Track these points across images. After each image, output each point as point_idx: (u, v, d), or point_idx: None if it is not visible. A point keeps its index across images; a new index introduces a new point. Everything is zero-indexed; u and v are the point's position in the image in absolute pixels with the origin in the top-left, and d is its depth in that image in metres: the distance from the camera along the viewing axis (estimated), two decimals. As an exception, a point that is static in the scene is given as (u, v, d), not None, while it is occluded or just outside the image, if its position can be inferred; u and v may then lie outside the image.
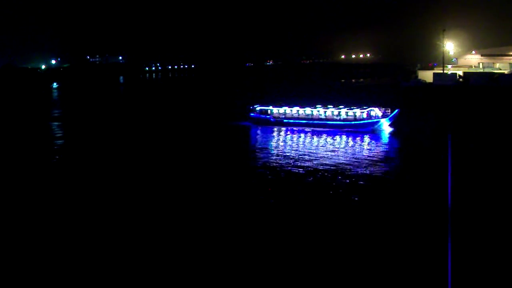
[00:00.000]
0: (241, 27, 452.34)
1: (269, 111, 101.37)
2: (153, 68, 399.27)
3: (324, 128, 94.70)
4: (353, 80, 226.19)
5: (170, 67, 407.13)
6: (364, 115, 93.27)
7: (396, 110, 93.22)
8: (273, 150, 79.67)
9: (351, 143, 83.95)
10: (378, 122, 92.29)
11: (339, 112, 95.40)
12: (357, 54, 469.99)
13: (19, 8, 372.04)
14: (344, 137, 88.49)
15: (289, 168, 65.22)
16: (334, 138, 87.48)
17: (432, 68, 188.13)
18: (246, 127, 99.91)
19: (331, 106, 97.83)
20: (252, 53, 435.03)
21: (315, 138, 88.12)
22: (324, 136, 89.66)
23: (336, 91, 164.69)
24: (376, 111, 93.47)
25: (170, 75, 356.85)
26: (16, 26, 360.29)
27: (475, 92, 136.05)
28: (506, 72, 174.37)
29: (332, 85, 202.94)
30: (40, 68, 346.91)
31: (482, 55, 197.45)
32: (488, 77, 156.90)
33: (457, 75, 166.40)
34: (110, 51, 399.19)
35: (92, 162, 74.22)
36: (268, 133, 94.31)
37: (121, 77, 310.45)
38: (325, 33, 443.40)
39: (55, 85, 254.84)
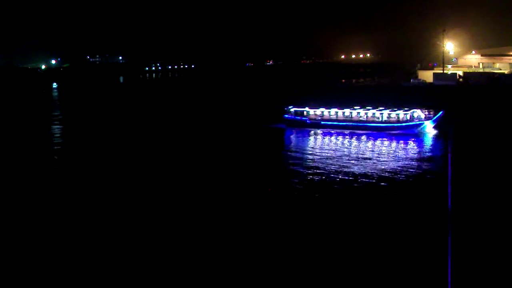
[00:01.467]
0: (241, 27, 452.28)
1: (305, 113, 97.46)
2: (153, 68, 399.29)
3: (364, 130, 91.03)
4: (354, 80, 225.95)
5: (170, 67, 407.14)
6: (408, 117, 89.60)
7: (441, 112, 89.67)
8: (312, 153, 76.50)
9: (394, 146, 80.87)
10: (422, 124, 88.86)
11: (382, 113, 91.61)
12: (357, 54, 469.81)
13: (19, 8, 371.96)
14: (386, 140, 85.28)
15: (331, 173, 62.64)
16: (376, 141, 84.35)
17: (432, 68, 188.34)
18: (280, 130, 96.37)
19: (371, 108, 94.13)
20: (252, 53, 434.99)
21: (355, 141, 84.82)
22: (364, 138, 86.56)
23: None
24: (419, 113, 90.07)
25: (170, 75, 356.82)
26: (16, 26, 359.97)
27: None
28: (506, 72, 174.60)
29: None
30: (40, 68, 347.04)
31: (482, 55, 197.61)
32: (488, 77, 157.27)
33: (457, 75, 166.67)
34: (110, 51, 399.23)
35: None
36: (304, 136, 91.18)
37: (121, 77, 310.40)
38: (325, 33, 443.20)
39: (55, 85, 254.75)
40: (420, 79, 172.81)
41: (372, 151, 76.70)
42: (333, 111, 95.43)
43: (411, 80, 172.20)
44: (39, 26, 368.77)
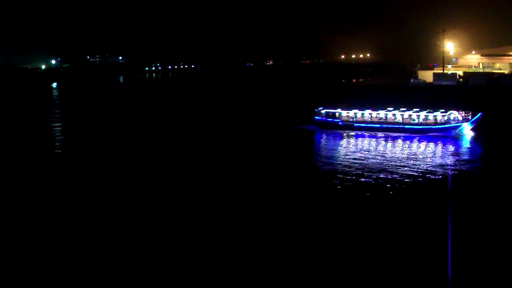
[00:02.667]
0: (241, 27, 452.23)
1: (336, 114, 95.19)
2: (153, 68, 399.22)
3: (399, 132, 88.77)
4: (354, 80, 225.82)
5: (170, 67, 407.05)
6: (445, 119, 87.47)
7: (479, 114, 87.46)
8: (347, 155, 74.37)
9: (433, 149, 78.52)
10: (459, 126, 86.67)
11: (418, 115, 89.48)
12: (357, 54, 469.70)
13: (19, 8, 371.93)
14: (423, 142, 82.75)
15: (368, 178, 60.97)
16: (413, 144, 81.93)
17: (432, 68, 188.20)
18: (310, 132, 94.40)
19: (405, 109, 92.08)
20: (252, 53, 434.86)
21: (392, 144, 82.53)
22: (400, 141, 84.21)
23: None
24: (456, 115, 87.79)
25: (170, 75, 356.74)
26: (16, 26, 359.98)
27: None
28: (506, 72, 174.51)
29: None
30: (40, 68, 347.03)
31: (482, 55, 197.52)
32: (488, 77, 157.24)
33: (457, 75, 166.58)
34: (110, 51, 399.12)
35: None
36: (336, 138, 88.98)
37: (121, 77, 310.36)
38: (325, 33, 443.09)
39: (55, 85, 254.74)
40: (420, 79, 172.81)
41: (412, 154, 74.30)
42: (366, 112, 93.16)
43: (411, 80, 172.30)
44: (39, 26, 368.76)
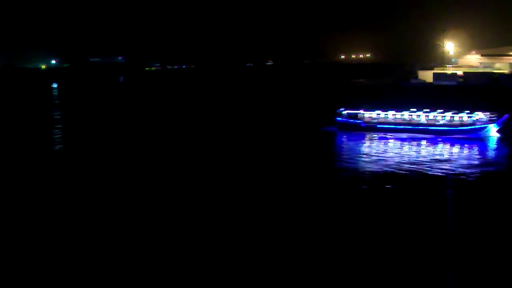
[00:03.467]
0: (241, 27, 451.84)
1: (359, 115, 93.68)
2: (153, 68, 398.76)
3: (424, 134, 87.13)
4: (354, 80, 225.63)
5: (170, 67, 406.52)
6: (471, 120, 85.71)
7: (505, 115, 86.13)
8: (374, 158, 72.72)
9: (459, 151, 77.13)
10: (486, 127, 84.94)
11: (443, 116, 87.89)
12: (357, 54, 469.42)
13: (19, 8, 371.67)
14: (448, 144, 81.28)
15: (398, 180, 59.77)
16: (439, 146, 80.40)
17: (432, 68, 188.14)
18: (331, 133, 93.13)
19: (428, 110, 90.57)
20: (252, 53, 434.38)
21: (416, 146, 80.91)
22: (424, 143, 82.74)
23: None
24: (482, 116, 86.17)
25: (170, 75, 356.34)
26: (16, 26, 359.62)
27: None
28: (506, 72, 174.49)
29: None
30: (40, 68, 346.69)
31: (482, 55, 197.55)
32: (488, 77, 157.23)
33: (457, 75, 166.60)
34: (110, 51, 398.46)
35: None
36: (359, 140, 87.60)
37: (121, 77, 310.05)
38: (325, 33, 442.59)
39: (55, 85, 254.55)
40: (420, 79, 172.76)
41: (439, 156, 72.73)
42: (390, 113, 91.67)
43: (411, 80, 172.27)
44: (39, 26, 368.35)
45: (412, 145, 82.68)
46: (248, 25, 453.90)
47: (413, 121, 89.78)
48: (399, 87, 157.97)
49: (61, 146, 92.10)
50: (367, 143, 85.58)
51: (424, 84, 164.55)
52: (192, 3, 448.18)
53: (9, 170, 71.60)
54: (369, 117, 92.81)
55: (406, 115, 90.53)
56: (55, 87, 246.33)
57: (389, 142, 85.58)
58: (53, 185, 63.16)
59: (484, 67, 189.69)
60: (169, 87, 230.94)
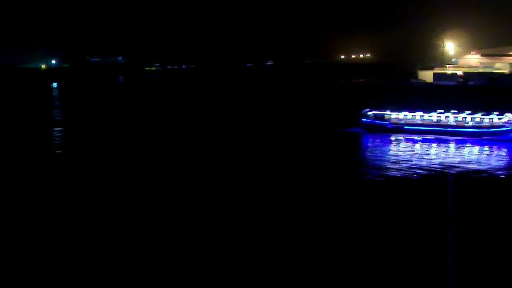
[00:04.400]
0: (241, 27, 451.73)
1: (385, 116, 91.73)
2: (153, 68, 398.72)
3: (452, 136, 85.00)
4: (354, 80, 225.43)
5: (170, 67, 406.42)
6: (502, 122, 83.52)
7: None
8: (406, 161, 70.35)
9: (491, 153, 74.84)
10: None
11: (473, 118, 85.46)
12: (357, 54, 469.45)
13: (19, 8, 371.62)
14: (477, 147, 78.88)
15: (433, 184, 58.20)
16: (467, 148, 78.16)
17: (432, 69, 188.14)
18: (357, 134, 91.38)
19: (455, 111, 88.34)
20: (252, 53, 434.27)
21: (446, 148, 78.90)
22: (453, 145, 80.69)
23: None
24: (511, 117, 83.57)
25: (170, 75, 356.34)
26: (16, 26, 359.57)
27: None
28: (506, 72, 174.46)
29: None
30: (40, 68, 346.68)
31: (482, 55, 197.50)
32: (488, 77, 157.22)
33: (457, 75, 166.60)
34: (110, 51, 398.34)
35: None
36: (385, 141, 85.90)
37: (121, 77, 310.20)
38: (325, 33, 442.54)
39: (55, 85, 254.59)
40: (420, 79, 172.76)
41: (471, 158, 70.93)
42: (418, 115, 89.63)
43: (412, 80, 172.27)
44: (39, 26, 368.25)
45: (442, 146, 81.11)
46: (248, 25, 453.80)
47: (441, 123, 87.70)
48: (402, 87, 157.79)
49: (61, 146, 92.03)
50: (395, 145, 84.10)
51: (424, 84, 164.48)
52: (192, 3, 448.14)
53: (9, 171, 71.56)
54: (396, 118, 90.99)
55: (434, 116, 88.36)
56: (55, 87, 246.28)
57: (418, 144, 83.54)
58: (53, 185, 63.13)
59: (484, 67, 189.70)
60: (169, 87, 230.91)
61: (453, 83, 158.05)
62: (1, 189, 62.17)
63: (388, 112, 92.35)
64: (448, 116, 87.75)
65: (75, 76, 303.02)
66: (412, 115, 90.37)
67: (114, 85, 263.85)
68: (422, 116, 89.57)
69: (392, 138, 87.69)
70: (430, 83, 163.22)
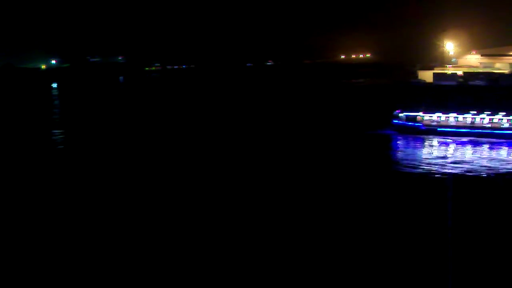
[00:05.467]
0: (241, 27, 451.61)
1: (418, 118, 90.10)
2: (153, 68, 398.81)
3: (488, 138, 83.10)
4: (353, 80, 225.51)
5: (170, 67, 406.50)
6: None
7: None
8: (447, 165, 68.51)
9: None
10: None
11: (509, 119, 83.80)
12: (357, 54, 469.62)
13: (19, 8, 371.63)
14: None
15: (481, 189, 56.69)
16: (504, 150, 76.47)
17: (432, 69, 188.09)
18: (388, 137, 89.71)
19: (489, 112, 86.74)
20: (252, 53, 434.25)
21: (482, 150, 77.10)
22: (486, 147, 79.12)
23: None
24: None
25: (170, 75, 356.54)
26: (16, 26, 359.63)
27: None
28: (506, 72, 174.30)
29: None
30: (40, 68, 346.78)
31: (482, 55, 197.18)
32: (488, 77, 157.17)
33: (457, 75, 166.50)
34: (110, 51, 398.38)
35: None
36: (419, 144, 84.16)
37: (121, 77, 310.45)
38: (326, 33, 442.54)
39: (55, 85, 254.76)
40: (420, 79, 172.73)
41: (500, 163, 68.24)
42: (452, 116, 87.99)
43: (412, 81, 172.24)
44: (39, 26, 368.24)
45: (480, 149, 79.25)
46: (248, 25, 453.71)
47: (476, 124, 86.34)
48: (405, 87, 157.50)
49: (61, 146, 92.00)
50: (429, 147, 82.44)
51: (424, 84, 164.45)
52: (192, 3, 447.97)
53: (10, 171, 71.56)
54: (429, 120, 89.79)
55: (469, 118, 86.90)
56: (55, 87, 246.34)
57: (454, 146, 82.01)
58: (53, 185, 63.13)
59: (484, 67, 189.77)
60: (169, 87, 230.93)
61: (453, 83, 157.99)
62: (1, 189, 62.18)
63: (420, 114, 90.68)
64: (483, 118, 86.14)
65: (75, 76, 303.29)
66: (446, 117, 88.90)
67: (114, 85, 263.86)
68: (456, 117, 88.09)
69: (427, 140, 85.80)
70: (430, 83, 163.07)
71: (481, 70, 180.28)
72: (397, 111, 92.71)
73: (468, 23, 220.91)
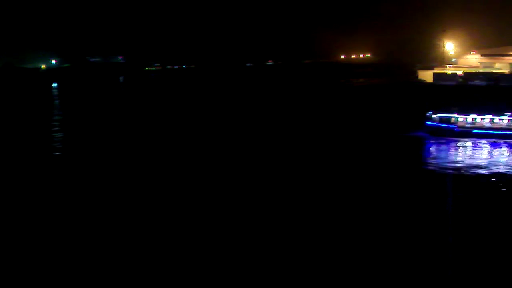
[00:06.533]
0: (241, 27, 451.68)
1: (452, 119, 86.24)
2: (153, 68, 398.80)
3: None
4: (353, 80, 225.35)
5: (170, 67, 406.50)
6: None
7: None
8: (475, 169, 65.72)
9: None
10: None
11: None
12: (357, 54, 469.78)
13: (19, 8, 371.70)
14: None
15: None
16: None
17: (432, 69, 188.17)
18: (420, 139, 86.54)
19: None
20: (252, 53, 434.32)
21: None
22: None
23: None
24: None
25: (170, 75, 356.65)
26: (16, 26, 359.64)
27: None
28: (506, 72, 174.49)
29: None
30: (40, 68, 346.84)
31: (482, 55, 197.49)
32: (488, 77, 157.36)
33: (457, 75, 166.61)
34: (110, 51, 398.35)
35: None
36: (453, 147, 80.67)
37: (121, 77, 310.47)
38: (326, 33, 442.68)
39: (55, 85, 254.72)
40: (420, 79, 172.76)
41: None
42: (487, 118, 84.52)
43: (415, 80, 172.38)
44: (39, 26, 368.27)
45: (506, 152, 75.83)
46: (248, 25, 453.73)
47: None
48: (406, 87, 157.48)
49: (60, 145, 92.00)
50: (471, 150, 79.05)
51: (424, 84, 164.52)
52: (192, 3, 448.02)
53: (10, 171, 71.58)
54: (463, 121, 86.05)
55: (505, 119, 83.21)
56: (55, 87, 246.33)
57: (500, 149, 78.52)
58: (53, 185, 63.14)
59: (484, 67, 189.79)
60: (170, 87, 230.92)
61: (453, 83, 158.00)
62: (1, 189, 62.20)
63: (455, 115, 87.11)
64: None
65: (75, 76, 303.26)
66: (481, 118, 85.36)
67: (114, 85, 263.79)
68: (492, 119, 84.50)
69: (460, 143, 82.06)
70: (430, 83, 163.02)
71: (481, 70, 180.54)
72: (429, 112, 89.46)
73: (468, 23, 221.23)
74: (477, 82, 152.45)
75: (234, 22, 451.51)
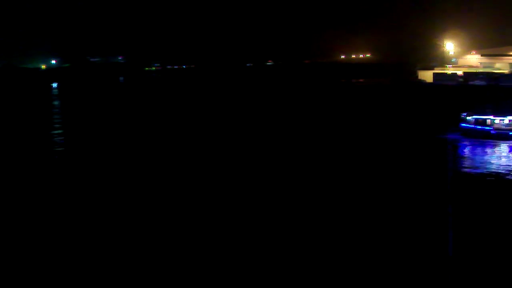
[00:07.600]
0: (241, 27, 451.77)
1: (488, 121, 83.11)
2: (153, 68, 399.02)
3: None
4: (353, 80, 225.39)
5: (170, 67, 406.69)
6: None
7: None
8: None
9: None
10: None
11: None
12: (357, 54, 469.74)
13: (19, 8, 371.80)
14: None
15: None
16: None
17: (432, 69, 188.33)
18: (455, 141, 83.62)
19: None
20: (252, 53, 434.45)
21: None
22: None
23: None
24: None
25: (170, 75, 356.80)
26: (16, 26, 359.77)
27: None
28: (506, 72, 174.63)
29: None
30: (40, 68, 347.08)
31: (482, 55, 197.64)
32: (488, 77, 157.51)
33: (457, 75, 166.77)
34: (110, 51, 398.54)
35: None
36: (490, 150, 78.11)
37: (121, 77, 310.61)
38: (325, 33, 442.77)
39: (55, 85, 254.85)
40: (420, 79, 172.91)
41: None
42: None
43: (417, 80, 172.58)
44: (39, 26, 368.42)
45: None
46: (248, 25, 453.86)
47: None
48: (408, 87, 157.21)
49: (61, 146, 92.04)
50: (503, 153, 76.26)
51: (424, 84, 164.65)
52: (192, 3, 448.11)
53: (10, 171, 71.63)
54: (500, 123, 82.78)
55: None
56: (55, 87, 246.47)
57: None
58: (53, 185, 63.19)
59: (484, 67, 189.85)
60: (170, 87, 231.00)
61: (453, 83, 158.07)
62: (1, 189, 62.26)
63: (491, 117, 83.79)
64: None
65: (75, 76, 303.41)
66: None
67: (114, 85, 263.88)
68: None
69: (496, 146, 79.42)
70: (430, 83, 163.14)
71: (481, 70, 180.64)
72: (464, 113, 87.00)
73: (468, 23, 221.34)
74: (477, 82, 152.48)
75: (234, 22, 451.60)
